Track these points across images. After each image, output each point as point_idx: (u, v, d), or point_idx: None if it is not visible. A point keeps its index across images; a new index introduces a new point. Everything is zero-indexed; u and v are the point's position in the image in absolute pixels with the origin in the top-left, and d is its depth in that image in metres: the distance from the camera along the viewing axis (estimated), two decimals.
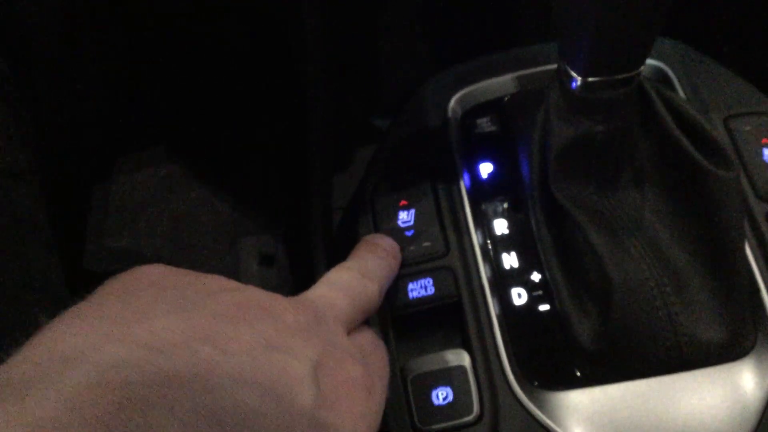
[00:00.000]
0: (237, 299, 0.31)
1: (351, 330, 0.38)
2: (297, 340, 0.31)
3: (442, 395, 0.44)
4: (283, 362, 0.30)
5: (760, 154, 0.49)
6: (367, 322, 0.41)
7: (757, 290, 0.45)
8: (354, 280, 0.40)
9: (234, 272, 0.75)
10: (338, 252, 0.52)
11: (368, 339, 0.39)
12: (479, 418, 0.43)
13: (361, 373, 0.34)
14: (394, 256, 0.46)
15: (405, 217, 0.49)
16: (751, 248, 0.46)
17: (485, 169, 0.51)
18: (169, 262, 0.73)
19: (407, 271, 0.47)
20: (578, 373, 0.45)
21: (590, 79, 0.41)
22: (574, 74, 0.42)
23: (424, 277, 0.47)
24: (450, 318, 0.47)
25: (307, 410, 0.29)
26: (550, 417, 0.43)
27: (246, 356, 0.29)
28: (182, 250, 0.76)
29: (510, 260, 0.48)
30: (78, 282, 0.71)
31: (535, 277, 0.48)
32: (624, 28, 0.38)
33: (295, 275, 0.68)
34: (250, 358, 0.29)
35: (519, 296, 0.47)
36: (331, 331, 0.35)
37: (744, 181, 0.48)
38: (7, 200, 0.47)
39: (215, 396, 0.26)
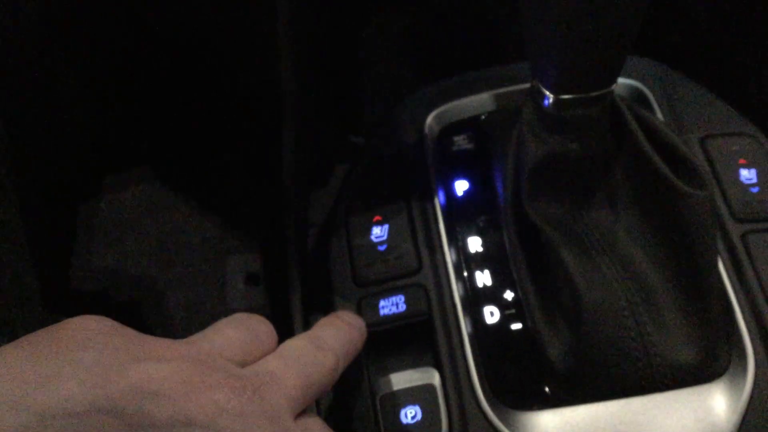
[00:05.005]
0: (163, 371, 0.29)
1: (301, 409, 0.35)
2: (226, 419, 0.29)
3: (410, 414, 0.43)
4: None
5: (737, 175, 0.49)
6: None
7: (731, 311, 0.44)
8: (307, 351, 0.36)
9: (220, 291, 0.75)
10: (313, 269, 0.52)
11: (318, 424, 0.35)
12: None
13: None
14: (357, 328, 0.42)
15: (378, 233, 0.49)
16: (726, 269, 0.46)
17: (461, 186, 0.51)
18: (155, 280, 0.73)
19: (379, 288, 0.47)
20: (549, 394, 0.44)
21: (562, 96, 0.41)
22: (546, 92, 0.42)
23: (396, 294, 0.47)
24: (421, 336, 0.46)
25: None
26: None
27: None
28: (169, 268, 0.76)
29: (483, 278, 0.48)
30: (64, 302, 0.71)
31: (508, 295, 0.47)
32: (593, 46, 0.38)
33: (272, 293, 0.68)
34: None
35: (491, 315, 0.47)
36: (273, 410, 0.32)
37: (720, 201, 0.48)
38: None
39: None
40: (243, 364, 0.33)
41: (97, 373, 0.28)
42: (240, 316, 0.36)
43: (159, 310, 0.74)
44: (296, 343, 0.37)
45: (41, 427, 0.25)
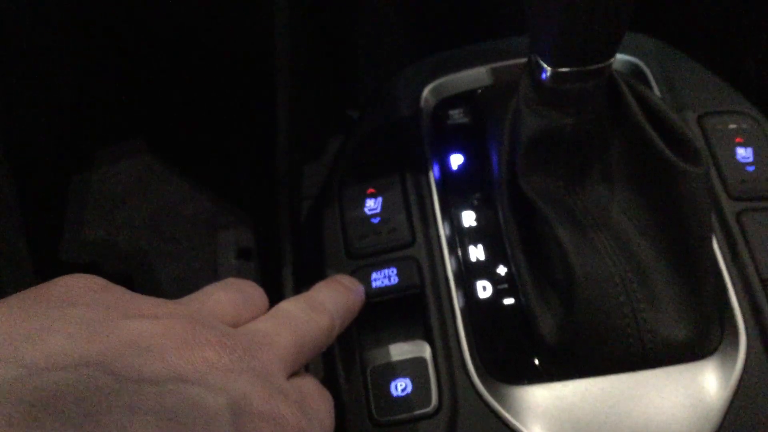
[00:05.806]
0: (153, 328, 0.29)
1: (295, 370, 0.34)
2: (216, 375, 0.29)
3: (400, 386, 0.43)
4: (195, 395, 0.27)
5: (734, 154, 0.48)
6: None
7: (724, 290, 0.44)
8: (301, 312, 0.36)
9: (212, 265, 0.75)
10: (305, 241, 0.51)
11: (312, 383, 0.35)
12: (437, 410, 0.43)
13: (293, 415, 0.31)
14: (354, 292, 0.42)
15: (372, 205, 0.48)
16: (720, 247, 0.46)
17: (456, 160, 0.51)
18: (147, 254, 0.73)
19: (371, 260, 0.47)
20: (540, 368, 0.44)
21: (560, 69, 0.41)
22: (544, 65, 0.41)
23: (388, 266, 0.46)
24: (413, 309, 0.46)
25: None
26: (509, 411, 0.42)
27: (149, 386, 0.26)
28: (160, 242, 0.76)
29: (476, 253, 0.48)
30: (55, 274, 0.71)
31: (501, 270, 0.47)
32: (592, 16, 0.37)
33: (264, 268, 0.67)
34: (153, 388, 0.27)
35: (484, 289, 0.47)
36: (264, 368, 0.31)
37: (716, 179, 0.48)
38: None
39: (98, 422, 0.24)
40: (234, 326, 0.33)
41: (87, 328, 0.27)
42: (231, 280, 0.36)
43: (150, 284, 0.74)
44: (290, 304, 0.36)
45: (29, 380, 0.25)
